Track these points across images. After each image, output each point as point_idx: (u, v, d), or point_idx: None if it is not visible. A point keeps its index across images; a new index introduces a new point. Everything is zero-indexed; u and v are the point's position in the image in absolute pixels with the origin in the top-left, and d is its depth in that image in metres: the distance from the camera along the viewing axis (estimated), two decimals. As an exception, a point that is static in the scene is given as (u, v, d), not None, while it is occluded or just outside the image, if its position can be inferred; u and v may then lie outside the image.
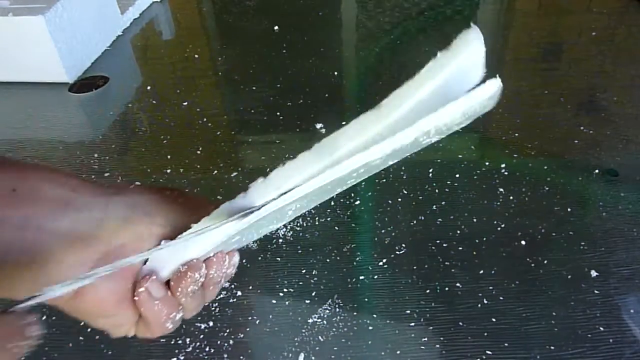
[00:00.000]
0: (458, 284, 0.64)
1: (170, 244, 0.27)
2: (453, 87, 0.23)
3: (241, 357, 0.57)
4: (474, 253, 0.68)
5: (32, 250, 0.25)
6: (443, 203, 0.76)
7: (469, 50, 0.23)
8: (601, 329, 0.58)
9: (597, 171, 0.80)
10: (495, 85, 0.23)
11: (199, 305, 0.31)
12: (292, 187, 0.26)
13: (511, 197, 0.76)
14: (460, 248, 0.68)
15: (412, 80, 0.24)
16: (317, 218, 0.74)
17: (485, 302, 0.62)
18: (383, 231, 0.71)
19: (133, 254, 0.26)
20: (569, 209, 0.73)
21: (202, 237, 0.28)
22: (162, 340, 0.60)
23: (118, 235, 0.27)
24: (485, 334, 0.58)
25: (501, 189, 0.77)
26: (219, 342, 0.59)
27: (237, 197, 0.27)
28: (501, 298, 0.62)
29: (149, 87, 1.11)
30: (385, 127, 0.24)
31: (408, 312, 0.61)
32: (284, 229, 0.73)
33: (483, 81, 0.24)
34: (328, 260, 0.68)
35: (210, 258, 0.29)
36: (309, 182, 0.25)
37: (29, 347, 0.22)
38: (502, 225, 0.71)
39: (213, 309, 0.63)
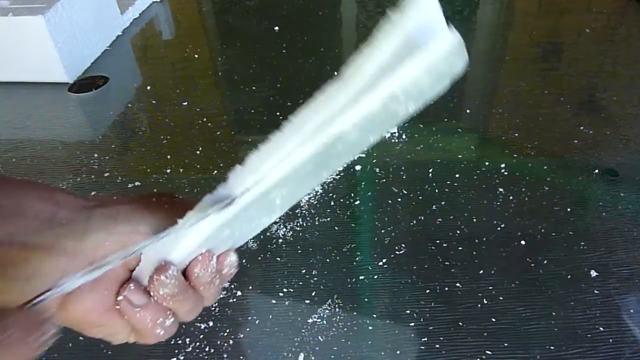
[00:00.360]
0: (458, 284, 0.64)
1: (147, 243, 0.27)
2: (415, 47, 0.23)
3: (241, 357, 0.57)
4: (474, 253, 0.68)
5: (17, 264, 0.25)
6: (443, 203, 0.76)
7: (419, 6, 0.22)
8: (601, 329, 0.58)
9: (597, 171, 0.80)
10: (449, 37, 0.22)
11: (193, 308, 0.31)
12: (269, 170, 0.26)
13: (511, 197, 0.76)
14: (460, 248, 0.68)
15: (369, 44, 0.23)
16: (317, 218, 0.74)
17: (485, 302, 0.62)
18: (383, 231, 0.71)
19: (118, 265, 0.27)
20: (569, 209, 0.73)
21: (185, 235, 0.27)
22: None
23: (101, 247, 0.27)
24: (485, 334, 0.58)
25: (501, 189, 0.77)
26: (219, 342, 0.59)
27: (217, 187, 0.27)
28: (501, 298, 0.62)
29: (148, 87, 1.11)
30: (349, 96, 0.24)
31: (408, 312, 0.61)
32: (284, 229, 0.73)
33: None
34: (328, 260, 0.68)
35: (195, 258, 0.29)
36: (284, 163, 0.25)
37: (47, 343, 0.22)
38: (502, 225, 0.71)
39: (213, 309, 0.63)
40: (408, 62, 0.23)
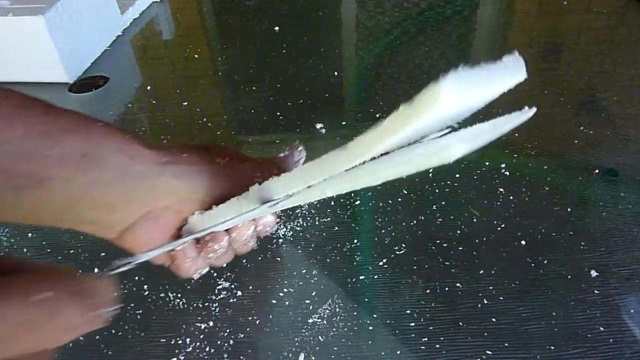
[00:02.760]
0: (458, 284, 0.64)
1: (198, 217, 0.32)
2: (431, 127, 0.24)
3: (241, 357, 0.57)
4: (474, 253, 0.68)
5: (95, 204, 0.30)
6: (443, 203, 0.76)
7: (433, 107, 0.20)
8: (601, 329, 0.58)
9: (597, 171, 0.80)
10: (529, 114, 0.23)
11: (228, 259, 0.37)
12: (319, 181, 0.28)
13: (511, 197, 0.76)
14: (460, 248, 0.68)
15: (374, 130, 0.22)
16: (317, 218, 0.74)
17: (485, 302, 0.62)
18: (383, 231, 0.71)
19: (173, 215, 0.33)
20: (569, 209, 0.73)
21: (225, 218, 0.32)
22: (162, 340, 0.60)
23: (163, 200, 0.32)
24: (485, 334, 0.58)
25: (501, 189, 0.77)
26: (219, 342, 0.59)
27: (267, 181, 0.30)
28: (501, 298, 0.62)
29: (149, 87, 1.11)
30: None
31: (408, 312, 0.61)
32: (284, 229, 0.73)
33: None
34: (328, 260, 0.68)
35: (235, 227, 0.34)
36: (335, 181, 0.28)
37: (113, 313, 0.25)
38: (502, 225, 0.71)
39: (213, 309, 0.63)
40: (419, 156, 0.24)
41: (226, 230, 0.34)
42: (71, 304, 0.24)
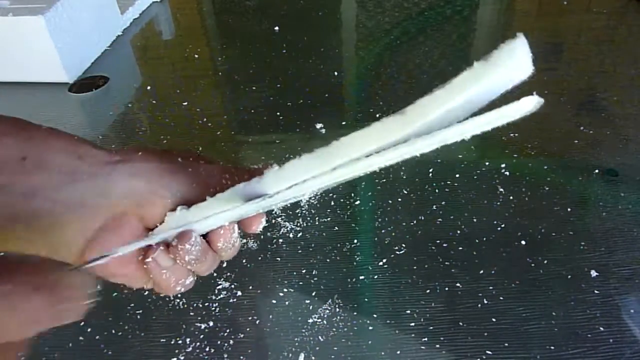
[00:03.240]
0: (458, 284, 0.64)
1: (172, 217, 0.28)
2: (485, 96, 0.22)
3: (241, 357, 0.57)
4: (474, 253, 0.68)
5: (39, 216, 0.26)
6: (443, 203, 0.76)
7: (512, 63, 0.21)
8: (601, 329, 0.58)
9: (597, 171, 0.80)
10: (532, 103, 0.22)
11: (212, 266, 0.33)
12: (306, 180, 0.26)
13: (511, 197, 0.76)
14: (460, 248, 0.68)
15: (443, 88, 0.22)
16: (317, 218, 0.74)
17: (485, 302, 0.62)
18: (383, 231, 0.71)
19: (135, 221, 0.28)
20: (569, 209, 0.73)
21: (211, 214, 0.28)
22: (162, 340, 0.60)
23: (120, 204, 0.28)
24: (485, 334, 0.58)
25: (501, 189, 0.77)
26: (219, 342, 0.59)
27: (252, 180, 0.28)
28: (501, 298, 0.62)
29: (149, 87, 1.11)
30: (407, 134, 0.23)
31: (408, 312, 0.61)
32: (284, 229, 0.73)
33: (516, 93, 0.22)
34: (328, 260, 0.68)
35: (218, 230, 0.30)
36: (322, 178, 0.26)
37: (88, 306, 0.24)
38: (502, 225, 0.71)
39: (213, 309, 0.63)
40: (479, 119, 0.22)
41: (208, 235, 0.30)
42: (33, 298, 0.23)
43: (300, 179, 0.26)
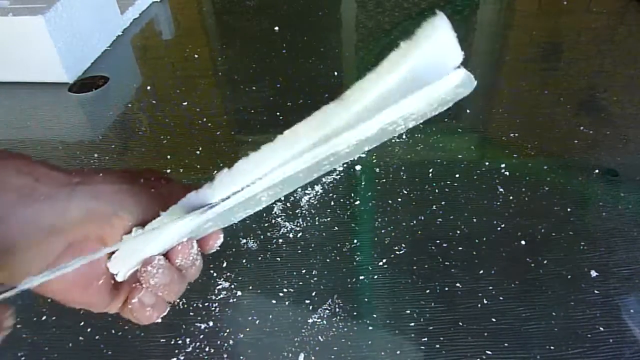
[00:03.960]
0: (458, 284, 0.64)
1: (127, 240, 0.27)
2: (423, 76, 0.22)
3: (241, 357, 0.57)
4: (474, 253, 0.68)
5: None
6: (443, 203, 0.76)
7: (434, 38, 0.22)
8: (601, 329, 0.58)
9: (597, 171, 0.80)
10: (459, 76, 0.22)
11: (180, 289, 0.32)
12: (257, 179, 0.26)
13: (511, 197, 0.76)
14: (460, 248, 0.68)
15: (375, 71, 0.23)
16: (317, 218, 0.74)
17: (485, 302, 0.62)
18: (383, 231, 0.71)
19: (97, 245, 0.27)
20: (569, 209, 0.73)
21: (164, 231, 0.27)
22: (162, 340, 0.60)
23: (81, 227, 0.27)
24: (485, 334, 0.58)
25: (501, 189, 0.77)
26: (219, 342, 0.59)
27: (204, 186, 0.27)
28: (501, 298, 0.62)
29: (148, 87, 1.11)
30: (349, 119, 0.24)
31: (408, 312, 0.61)
32: (284, 229, 0.73)
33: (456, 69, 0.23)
34: (328, 260, 0.68)
35: (175, 247, 0.29)
36: (272, 174, 0.26)
37: (2, 338, 0.23)
38: (502, 225, 0.71)
39: (213, 309, 0.63)
40: (414, 95, 0.22)
41: (166, 255, 0.29)
42: None
43: (249, 180, 0.26)
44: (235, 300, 0.64)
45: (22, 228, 0.25)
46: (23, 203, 0.26)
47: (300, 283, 0.65)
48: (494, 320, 0.60)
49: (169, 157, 0.89)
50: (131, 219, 0.28)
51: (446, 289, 0.63)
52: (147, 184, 0.29)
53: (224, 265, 0.68)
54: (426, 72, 0.22)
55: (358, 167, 0.83)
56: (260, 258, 0.69)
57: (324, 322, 0.60)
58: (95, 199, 0.27)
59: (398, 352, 0.57)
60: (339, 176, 0.82)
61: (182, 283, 0.31)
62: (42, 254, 0.26)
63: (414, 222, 0.73)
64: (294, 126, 0.25)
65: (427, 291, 0.63)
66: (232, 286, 0.65)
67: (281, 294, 0.64)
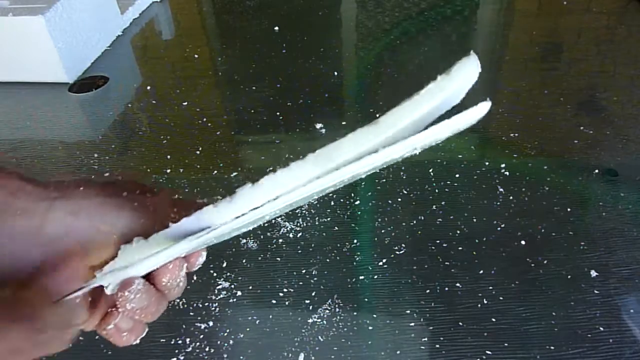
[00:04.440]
0: (458, 284, 0.64)
1: (125, 251, 0.27)
2: (448, 110, 0.25)
3: (241, 357, 0.57)
4: (474, 253, 0.68)
5: None
6: (443, 203, 0.76)
7: (466, 76, 0.24)
8: (601, 329, 0.58)
9: (597, 171, 0.80)
10: (486, 107, 0.25)
11: (159, 309, 0.31)
12: (271, 199, 0.25)
13: (511, 197, 0.76)
14: (460, 248, 0.68)
15: (412, 100, 0.24)
16: (317, 218, 0.74)
17: (485, 302, 0.62)
18: (383, 231, 0.71)
19: (77, 261, 0.26)
20: (569, 209, 0.73)
21: (159, 252, 0.27)
22: (162, 340, 0.60)
23: (60, 243, 0.26)
24: (485, 334, 0.58)
25: (501, 189, 0.77)
26: (219, 342, 0.59)
27: (205, 208, 0.26)
28: (501, 298, 0.62)
29: (148, 87, 1.11)
30: (379, 142, 0.25)
31: (408, 312, 0.61)
32: (284, 229, 0.73)
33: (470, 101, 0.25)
34: (328, 260, 0.68)
35: (165, 267, 0.28)
36: (297, 191, 0.25)
37: (75, 336, 0.25)
38: (502, 225, 0.71)
39: (213, 309, 0.63)
40: (441, 126, 0.24)
41: (152, 274, 0.28)
42: (14, 328, 0.22)
43: (258, 203, 0.26)
44: (235, 300, 0.64)
45: None
46: None
47: (300, 283, 0.65)
48: (494, 320, 0.60)
49: (169, 157, 0.89)
50: (114, 234, 0.27)
51: (446, 289, 0.63)
52: (131, 198, 0.28)
53: (224, 265, 0.68)
54: (450, 103, 0.25)
55: (358, 167, 0.83)
56: (260, 258, 0.69)
57: (324, 322, 0.60)
58: (74, 215, 0.26)
59: (398, 352, 0.57)
60: (339, 176, 0.82)
61: (162, 304, 0.30)
62: (12, 268, 0.25)
63: (414, 222, 0.73)
64: (328, 145, 0.25)
65: (427, 291, 0.63)
66: (232, 286, 0.65)
67: (281, 294, 0.64)
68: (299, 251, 0.70)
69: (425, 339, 0.58)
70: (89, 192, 0.27)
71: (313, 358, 0.57)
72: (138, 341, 0.32)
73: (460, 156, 0.84)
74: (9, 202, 0.25)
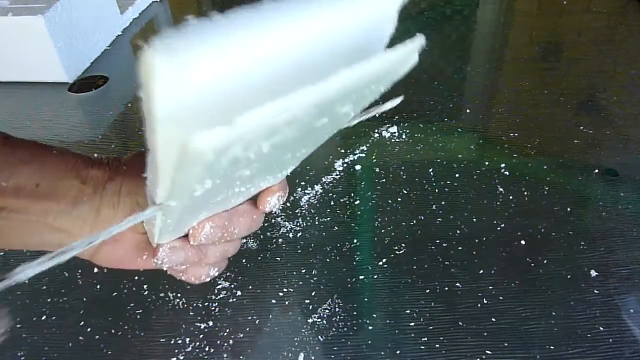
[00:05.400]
0: (458, 284, 0.64)
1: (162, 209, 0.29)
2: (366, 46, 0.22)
3: (241, 357, 0.57)
4: (474, 253, 0.68)
5: (55, 230, 0.32)
6: (443, 203, 0.76)
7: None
8: (601, 329, 0.58)
9: (597, 171, 0.80)
10: (420, 42, 0.22)
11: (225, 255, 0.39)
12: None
13: (511, 197, 0.76)
14: (460, 248, 0.68)
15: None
16: (317, 218, 0.74)
17: (485, 302, 0.62)
18: (383, 231, 0.71)
19: (130, 233, 0.34)
20: (569, 209, 0.73)
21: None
22: (162, 340, 0.60)
23: (110, 222, 0.32)
24: (485, 334, 0.58)
25: (501, 189, 0.77)
26: (219, 342, 0.59)
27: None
28: (501, 298, 0.62)
29: (149, 87, 1.11)
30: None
31: (408, 312, 0.61)
32: (284, 229, 0.73)
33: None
34: (328, 260, 0.68)
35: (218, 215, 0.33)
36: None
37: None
38: (502, 225, 0.71)
39: (213, 309, 0.63)
40: (365, 62, 0.22)
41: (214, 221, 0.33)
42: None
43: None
44: (235, 300, 0.64)
45: (70, 221, 0.32)
46: (70, 206, 0.32)
47: (300, 283, 0.65)
48: (494, 320, 0.60)
49: (169, 157, 0.89)
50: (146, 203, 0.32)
51: (446, 289, 0.63)
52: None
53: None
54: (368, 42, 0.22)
55: (358, 167, 0.83)
56: (260, 258, 0.69)
57: (324, 322, 0.60)
58: (118, 194, 0.33)
59: (398, 352, 0.57)
60: (339, 176, 0.82)
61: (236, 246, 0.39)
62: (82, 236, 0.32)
63: (414, 222, 0.73)
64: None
65: (427, 291, 0.63)
66: (232, 286, 0.65)
67: (281, 294, 0.64)
68: (299, 251, 0.70)
69: (425, 339, 0.58)
70: (129, 171, 0.33)
71: (313, 358, 0.57)
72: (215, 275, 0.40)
73: (460, 156, 0.84)
74: (80, 190, 0.32)
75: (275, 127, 0.19)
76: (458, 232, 0.71)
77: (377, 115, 0.23)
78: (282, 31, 0.20)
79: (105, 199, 0.32)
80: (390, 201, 0.76)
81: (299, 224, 0.74)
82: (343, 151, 0.86)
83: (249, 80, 0.20)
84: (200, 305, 0.63)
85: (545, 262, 0.66)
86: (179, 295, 0.64)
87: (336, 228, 0.73)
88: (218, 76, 0.18)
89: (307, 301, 0.63)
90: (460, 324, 0.60)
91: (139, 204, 0.32)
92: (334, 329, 0.60)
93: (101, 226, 0.32)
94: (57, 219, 0.31)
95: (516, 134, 0.89)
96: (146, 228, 0.34)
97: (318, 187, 0.79)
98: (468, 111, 0.97)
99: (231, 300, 0.64)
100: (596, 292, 0.62)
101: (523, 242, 0.69)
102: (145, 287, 0.65)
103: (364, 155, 0.86)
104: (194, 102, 0.19)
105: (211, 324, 0.61)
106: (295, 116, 0.20)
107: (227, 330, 0.60)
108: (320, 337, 0.59)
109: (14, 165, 0.31)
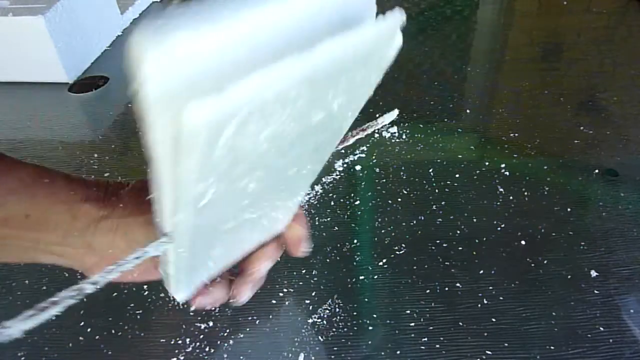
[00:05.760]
0: (458, 284, 0.64)
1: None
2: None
3: (241, 357, 0.57)
4: (474, 253, 0.68)
5: (46, 254, 0.32)
6: (443, 203, 0.76)
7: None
8: (601, 329, 0.58)
9: (597, 171, 0.80)
10: (400, 17, 0.22)
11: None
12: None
13: (511, 197, 0.76)
14: (460, 248, 0.68)
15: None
16: (317, 218, 0.74)
17: (485, 302, 0.62)
18: (383, 231, 0.71)
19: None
20: (569, 209, 0.73)
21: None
22: (162, 340, 0.60)
23: (103, 259, 0.32)
24: (485, 334, 0.58)
25: (501, 189, 0.77)
26: (219, 342, 0.59)
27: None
28: (501, 298, 0.62)
29: (149, 87, 1.11)
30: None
31: (408, 312, 0.61)
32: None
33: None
34: (328, 260, 0.68)
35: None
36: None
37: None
38: (502, 225, 0.71)
39: (213, 309, 0.63)
40: (343, 36, 0.21)
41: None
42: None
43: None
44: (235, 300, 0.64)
45: (61, 253, 0.32)
46: (61, 238, 0.32)
47: (300, 283, 0.65)
48: (494, 320, 0.60)
49: (169, 157, 0.89)
50: (142, 242, 0.31)
51: (446, 289, 0.63)
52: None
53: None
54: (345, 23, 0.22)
55: (358, 167, 0.83)
56: (260, 258, 0.69)
57: (324, 322, 0.60)
58: (113, 232, 0.32)
59: (398, 352, 0.57)
60: (339, 176, 0.82)
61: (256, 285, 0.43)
62: (74, 265, 0.33)
63: (414, 222, 0.73)
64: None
65: (427, 291, 0.63)
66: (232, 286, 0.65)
67: (281, 294, 0.64)
68: (299, 251, 0.69)
69: (425, 339, 0.58)
70: (125, 210, 0.33)
71: (313, 358, 0.57)
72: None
73: (460, 156, 0.84)
74: (71, 223, 0.32)
75: (265, 102, 0.19)
76: (458, 232, 0.71)
77: (377, 131, 0.24)
78: (265, 7, 0.20)
79: (97, 237, 0.32)
80: (390, 201, 0.76)
81: (299, 224, 0.73)
82: (343, 151, 0.86)
83: (236, 56, 0.20)
84: (200, 305, 0.63)
85: (545, 262, 0.66)
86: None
87: (336, 228, 0.73)
88: (205, 52, 0.19)
89: (307, 301, 0.63)
90: (460, 324, 0.60)
91: (137, 241, 0.32)
92: (334, 329, 0.60)
93: (92, 261, 0.33)
94: (49, 247, 0.32)
95: (516, 134, 0.89)
96: (161, 272, 0.34)
97: (318, 187, 0.79)
98: (468, 111, 0.97)
99: (231, 300, 0.64)
100: (596, 292, 0.62)
101: (523, 242, 0.69)
102: (145, 287, 0.65)
103: (363, 155, 0.86)
104: (184, 79, 0.19)
105: (211, 324, 0.61)
106: (284, 92, 0.19)
107: (227, 330, 0.60)
108: (320, 337, 0.59)
109: (2, 196, 0.31)
